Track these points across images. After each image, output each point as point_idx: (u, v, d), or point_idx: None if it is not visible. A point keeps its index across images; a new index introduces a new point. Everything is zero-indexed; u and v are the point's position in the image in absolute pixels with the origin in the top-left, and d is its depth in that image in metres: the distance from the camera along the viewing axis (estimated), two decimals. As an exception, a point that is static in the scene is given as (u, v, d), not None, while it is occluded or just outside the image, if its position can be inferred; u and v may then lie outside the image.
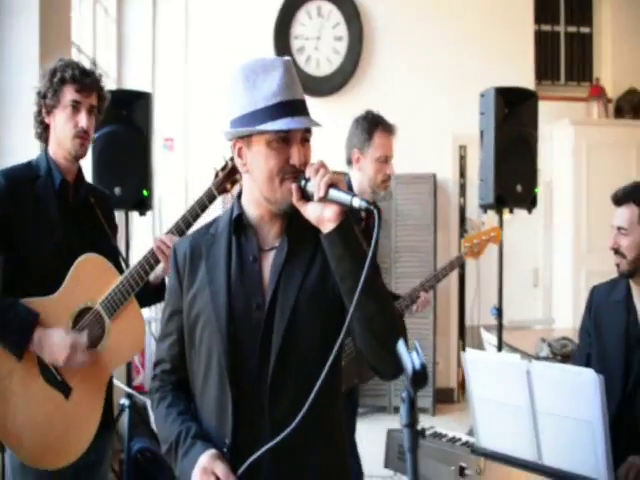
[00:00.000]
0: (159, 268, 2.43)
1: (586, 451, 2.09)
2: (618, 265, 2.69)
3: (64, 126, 2.35)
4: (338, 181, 1.49)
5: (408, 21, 6.66)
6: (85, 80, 2.36)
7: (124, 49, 6.34)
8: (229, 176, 2.39)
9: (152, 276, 2.43)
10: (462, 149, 6.69)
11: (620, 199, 2.69)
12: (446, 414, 5.97)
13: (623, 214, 2.67)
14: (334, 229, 1.49)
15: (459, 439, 2.65)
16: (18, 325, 2.19)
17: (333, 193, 1.48)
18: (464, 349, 6.74)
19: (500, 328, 4.26)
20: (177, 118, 6.37)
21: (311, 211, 1.52)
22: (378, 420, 5.49)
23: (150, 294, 2.50)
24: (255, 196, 1.64)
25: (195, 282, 1.65)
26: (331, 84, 6.59)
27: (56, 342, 2.21)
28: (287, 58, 1.62)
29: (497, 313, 4.29)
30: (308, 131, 1.59)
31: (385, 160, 3.10)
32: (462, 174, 6.72)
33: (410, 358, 1.09)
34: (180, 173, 6.37)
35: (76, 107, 2.35)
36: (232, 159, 2.32)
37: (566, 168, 6.61)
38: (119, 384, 3.26)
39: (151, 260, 2.36)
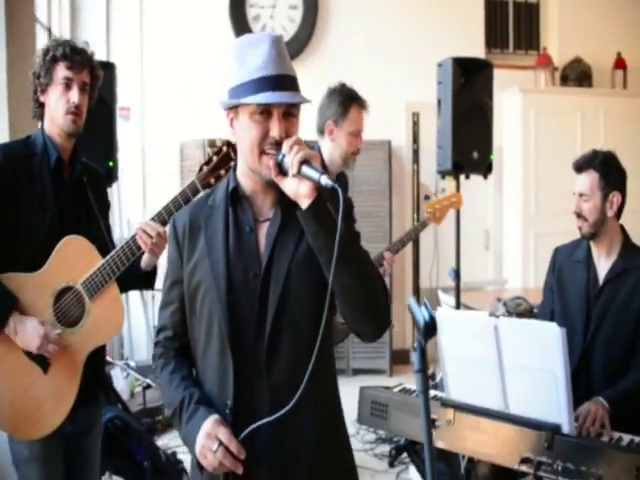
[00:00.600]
0: (147, 257, 2.46)
1: (549, 399, 2.29)
2: (580, 228, 2.87)
3: (57, 103, 2.39)
4: (311, 157, 1.55)
5: (362, -10, 6.74)
6: (76, 57, 2.39)
7: (78, 15, 6.27)
8: (213, 171, 2.37)
9: (143, 264, 2.48)
10: (415, 116, 6.84)
11: (581, 166, 2.87)
12: (402, 375, 6.12)
13: (584, 180, 2.85)
14: (307, 207, 1.55)
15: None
16: None
17: (305, 170, 1.54)
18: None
19: (458, 289, 4.47)
20: (133, 87, 6.33)
21: (288, 186, 1.59)
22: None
23: (141, 279, 2.55)
24: (245, 168, 1.72)
25: (195, 252, 1.73)
26: (287, 52, 6.64)
27: (29, 331, 2.27)
28: (276, 34, 1.68)
29: (455, 275, 4.49)
30: (294, 106, 1.64)
31: (358, 134, 3.18)
32: (415, 141, 6.88)
33: (420, 312, 1.23)
34: (137, 143, 6.37)
35: (68, 84, 2.38)
36: (216, 153, 2.34)
37: (515, 134, 6.84)
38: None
39: (132, 246, 2.38)
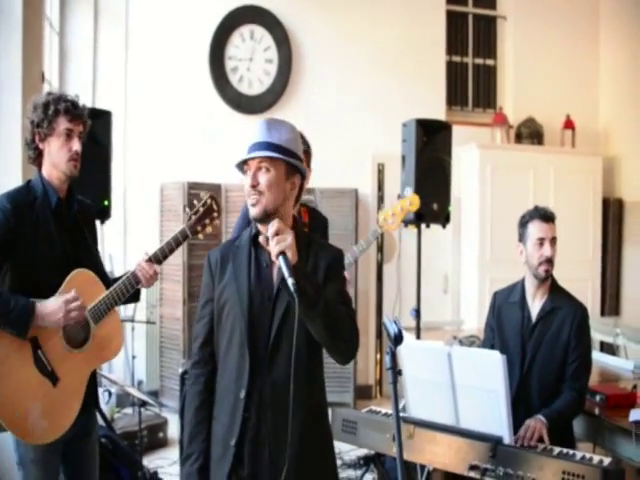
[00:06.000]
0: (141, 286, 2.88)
1: (493, 414, 2.72)
2: (547, 271, 3.27)
3: (59, 151, 2.72)
4: (286, 248, 1.97)
5: (333, 48, 7.25)
6: (76, 111, 2.75)
7: (66, 62, 6.64)
8: (200, 220, 2.84)
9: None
10: (380, 166, 7.30)
11: (549, 217, 3.30)
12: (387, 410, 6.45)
13: (552, 228, 3.29)
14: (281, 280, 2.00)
15: (391, 414, 3.22)
16: (19, 310, 2.55)
17: (280, 261, 1.97)
18: (381, 350, 7.28)
19: (418, 327, 4.87)
20: (117, 129, 6.64)
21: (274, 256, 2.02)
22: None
23: (130, 297, 2.91)
24: None
25: (224, 278, 2.21)
26: (262, 103, 7.11)
27: (50, 307, 2.60)
28: (268, 118, 2.20)
29: (415, 314, 4.90)
30: (265, 161, 2.10)
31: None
32: (380, 189, 7.32)
33: (392, 327, 1.67)
34: (119, 183, 6.68)
35: (69, 135, 2.72)
36: (203, 205, 2.82)
37: (473, 186, 7.28)
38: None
39: (132, 280, 2.79)
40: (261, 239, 2.13)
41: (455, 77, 7.93)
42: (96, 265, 2.87)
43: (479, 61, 8.04)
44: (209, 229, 2.88)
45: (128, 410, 5.83)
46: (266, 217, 2.12)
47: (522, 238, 3.37)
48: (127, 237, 6.68)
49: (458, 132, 6.69)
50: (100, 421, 3.45)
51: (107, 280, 2.88)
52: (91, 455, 2.92)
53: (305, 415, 2.11)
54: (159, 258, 2.83)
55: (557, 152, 7.60)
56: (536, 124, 7.64)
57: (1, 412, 2.62)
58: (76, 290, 2.68)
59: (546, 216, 3.31)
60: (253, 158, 2.12)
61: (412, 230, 5.39)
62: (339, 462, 5.05)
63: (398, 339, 1.71)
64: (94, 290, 2.75)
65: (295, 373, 2.01)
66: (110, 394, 5.33)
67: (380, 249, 7.27)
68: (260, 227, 2.19)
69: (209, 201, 2.84)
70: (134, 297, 2.97)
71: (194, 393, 2.26)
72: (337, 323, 2.09)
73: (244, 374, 2.11)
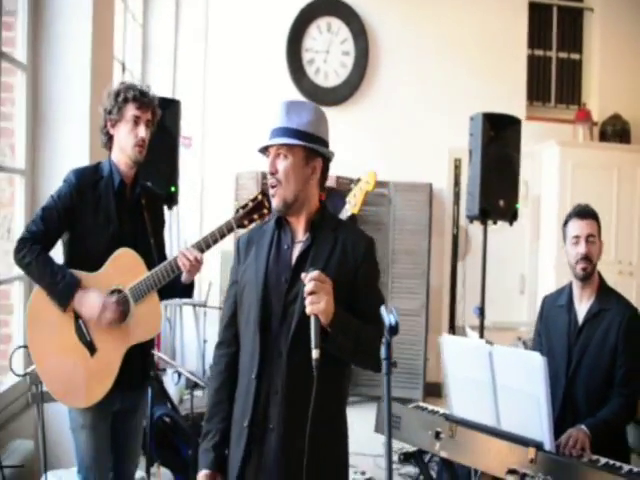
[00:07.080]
0: (185, 275, 2.88)
1: (533, 419, 2.62)
2: (585, 269, 3.13)
3: (126, 137, 2.86)
4: (319, 312, 1.93)
5: (411, 41, 7.18)
6: (144, 99, 2.88)
7: (148, 53, 6.85)
8: (248, 215, 2.82)
9: (183, 278, 2.89)
10: (457, 161, 7.16)
11: (586, 213, 3.18)
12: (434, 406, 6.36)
13: (590, 224, 3.15)
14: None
15: (437, 411, 3.18)
16: (64, 285, 2.73)
17: (311, 323, 1.91)
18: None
19: (482, 326, 4.78)
20: (195, 118, 6.79)
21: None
22: (371, 409, 5.89)
23: (180, 290, 2.99)
24: None
25: (247, 260, 2.22)
26: (338, 95, 7.12)
27: (91, 301, 2.75)
28: (287, 100, 2.18)
29: (479, 312, 4.81)
30: (282, 148, 2.09)
31: None
32: (456, 184, 7.18)
33: (388, 318, 1.65)
34: (196, 171, 6.85)
35: (136, 121, 2.86)
36: (253, 200, 2.80)
37: (552, 185, 7.05)
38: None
39: (174, 265, 2.82)
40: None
41: (537, 71, 7.69)
42: (149, 249, 2.95)
43: (563, 55, 7.78)
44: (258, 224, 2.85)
45: (198, 392, 5.94)
46: (287, 208, 2.13)
47: (564, 239, 3.26)
48: (203, 225, 6.82)
49: (539, 128, 6.51)
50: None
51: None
52: (135, 430, 3.04)
53: (320, 413, 1.97)
54: (202, 247, 2.83)
55: (643, 151, 7.24)
56: (622, 121, 7.32)
57: (42, 373, 2.80)
58: (117, 268, 2.82)
59: (582, 213, 3.18)
60: (271, 145, 2.12)
61: (490, 227, 5.26)
62: (396, 457, 5.00)
63: (394, 330, 1.67)
64: (136, 270, 2.84)
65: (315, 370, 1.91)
66: (179, 375, 5.44)
67: (455, 245, 7.14)
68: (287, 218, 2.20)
69: (260, 197, 2.82)
70: (185, 292, 3.00)
71: (215, 374, 2.27)
72: (366, 351, 2.04)
73: (255, 355, 2.11)
